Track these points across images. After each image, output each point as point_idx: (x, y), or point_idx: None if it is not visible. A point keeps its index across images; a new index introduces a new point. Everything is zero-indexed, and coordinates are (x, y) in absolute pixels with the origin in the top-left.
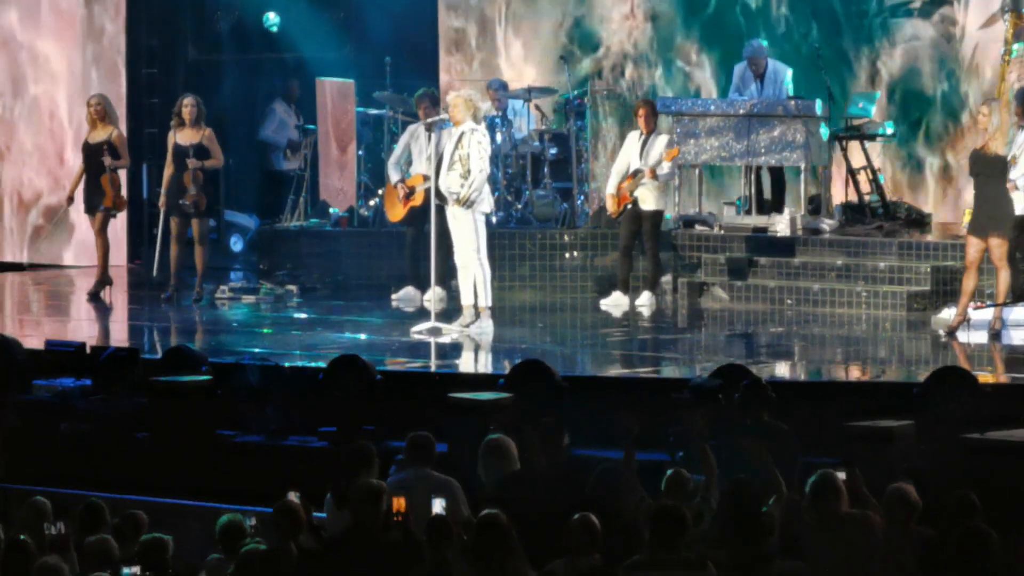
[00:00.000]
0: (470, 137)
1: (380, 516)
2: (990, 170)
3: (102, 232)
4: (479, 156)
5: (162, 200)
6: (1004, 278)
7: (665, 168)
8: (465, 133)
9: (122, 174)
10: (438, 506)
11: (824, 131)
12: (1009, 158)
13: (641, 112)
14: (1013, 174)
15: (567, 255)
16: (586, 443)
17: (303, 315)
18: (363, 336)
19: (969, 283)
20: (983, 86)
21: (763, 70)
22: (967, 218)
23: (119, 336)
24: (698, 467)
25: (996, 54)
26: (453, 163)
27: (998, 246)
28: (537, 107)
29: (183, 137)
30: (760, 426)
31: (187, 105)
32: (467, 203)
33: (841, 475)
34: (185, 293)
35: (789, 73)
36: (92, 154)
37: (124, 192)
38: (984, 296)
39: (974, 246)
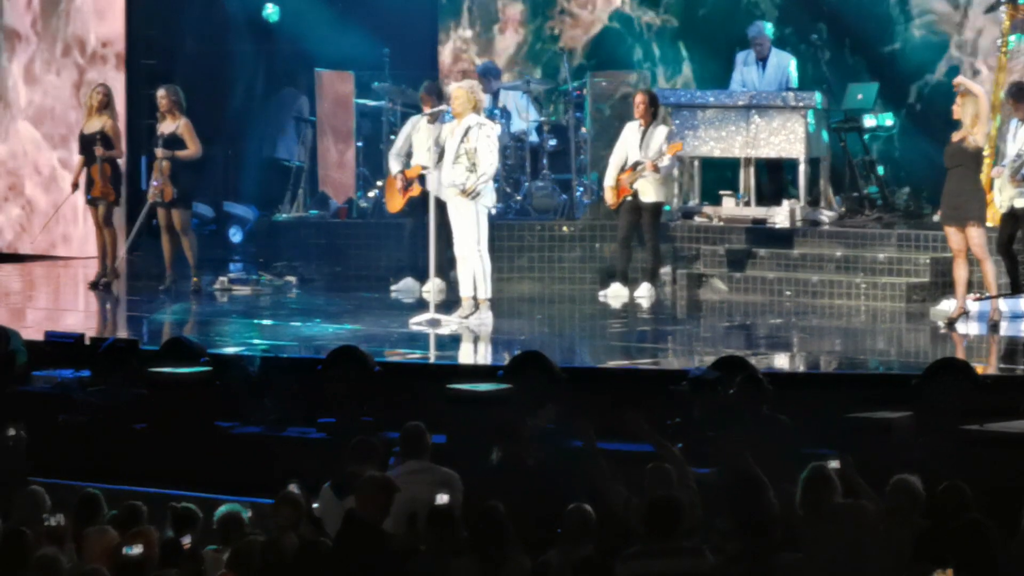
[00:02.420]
0: (478, 131)
1: (388, 509)
2: (968, 162)
3: (107, 224)
4: (489, 150)
5: (151, 192)
6: (989, 268)
7: (666, 161)
8: (472, 128)
9: (122, 164)
10: (443, 500)
11: (823, 122)
12: (1015, 154)
13: (639, 102)
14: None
15: (565, 228)
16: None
17: (302, 306)
18: (362, 327)
19: (961, 272)
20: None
21: (766, 54)
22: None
23: (118, 327)
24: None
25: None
26: (459, 156)
27: (976, 236)
28: (536, 99)
29: (161, 128)
30: (759, 419)
31: (161, 97)
32: (473, 194)
33: (834, 464)
34: (183, 284)
35: (793, 63)
36: (87, 144)
37: (123, 183)
38: (980, 287)
39: (955, 235)
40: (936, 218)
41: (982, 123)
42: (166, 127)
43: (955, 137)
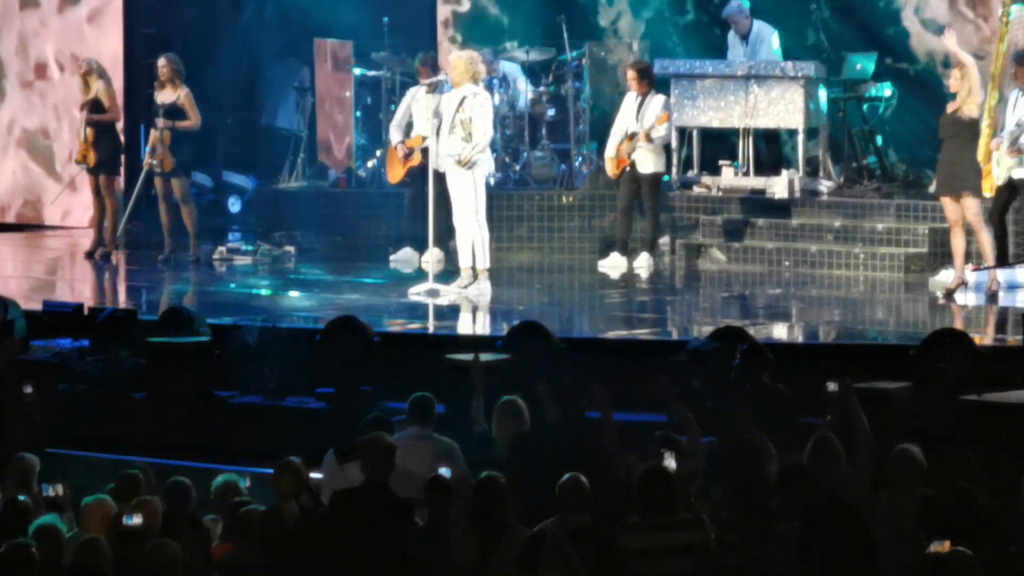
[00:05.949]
0: (472, 101)
1: (390, 473)
2: (963, 132)
3: (109, 193)
4: (482, 119)
5: (145, 160)
6: (985, 239)
7: (660, 131)
8: (467, 97)
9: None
10: (444, 472)
11: (822, 93)
12: (1014, 124)
13: (630, 76)
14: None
15: (564, 198)
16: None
17: (300, 276)
18: (361, 297)
19: (958, 243)
20: (984, 34)
21: (746, 30)
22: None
23: (117, 297)
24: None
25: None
26: (454, 126)
27: (972, 206)
28: (532, 69)
29: (160, 97)
30: (759, 389)
31: (161, 66)
32: (468, 164)
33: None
34: (182, 254)
35: (775, 36)
36: (89, 112)
37: (122, 152)
38: (978, 258)
39: (950, 206)
40: (932, 189)
41: (974, 94)
42: (166, 96)
43: (949, 108)
